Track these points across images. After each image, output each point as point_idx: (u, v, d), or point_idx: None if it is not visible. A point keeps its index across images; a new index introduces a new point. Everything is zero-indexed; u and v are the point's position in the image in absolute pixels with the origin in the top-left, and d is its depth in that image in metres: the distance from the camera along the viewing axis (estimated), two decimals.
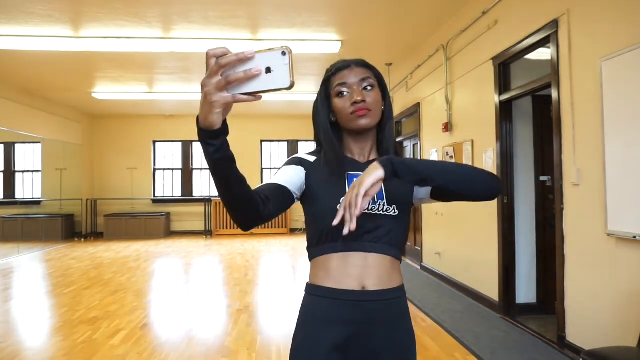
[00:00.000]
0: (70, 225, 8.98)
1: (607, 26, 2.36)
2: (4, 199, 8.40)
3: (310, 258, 1.00)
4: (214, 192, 9.96)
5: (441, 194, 0.95)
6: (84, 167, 9.31)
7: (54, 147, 8.41)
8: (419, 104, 5.42)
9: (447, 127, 4.45)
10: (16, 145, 8.57)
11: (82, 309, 3.81)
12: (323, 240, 0.95)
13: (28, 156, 8.58)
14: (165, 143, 10.00)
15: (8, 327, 3.40)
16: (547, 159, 3.41)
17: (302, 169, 1.00)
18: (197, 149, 10.10)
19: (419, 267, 5.49)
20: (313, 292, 0.97)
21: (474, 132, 3.98)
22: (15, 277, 5.41)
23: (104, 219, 9.19)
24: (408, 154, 6.30)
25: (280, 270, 5.66)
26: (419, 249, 5.57)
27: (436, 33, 4.71)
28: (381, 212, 0.94)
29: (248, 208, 0.81)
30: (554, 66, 2.77)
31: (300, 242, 8.18)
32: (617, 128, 2.27)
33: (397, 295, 0.97)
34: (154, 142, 9.91)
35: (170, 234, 9.64)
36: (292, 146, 10.19)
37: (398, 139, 6.46)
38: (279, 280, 5.05)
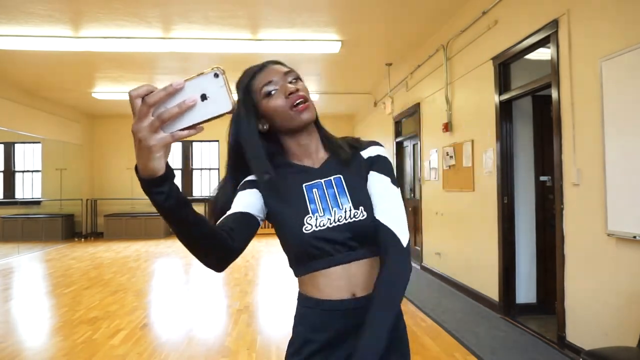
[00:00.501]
0: (70, 225, 8.98)
1: (607, 26, 2.36)
2: (4, 199, 8.40)
3: (296, 275, 0.96)
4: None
5: None
6: (84, 167, 9.31)
7: (54, 147, 8.42)
8: (419, 104, 5.42)
9: (447, 127, 4.45)
10: (16, 145, 8.57)
11: (82, 309, 3.81)
12: (300, 260, 0.91)
13: (28, 156, 8.58)
14: None
15: (8, 327, 3.40)
16: (547, 159, 3.40)
17: (256, 190, 0.92)
18: (197, 149, 10.10)
19: (419, 267, 5.49)
20: (305, 303, 0.95)
21: (474, 132, 3.98)
22: (15, 277, 5.41)
23: (104, 219, 9.19)
24: (408, 154, 6.30)
25: (280, 270, 5.66)
26: (419, 249, 5.57)
27: (436, 33, 4.71)
28: (350, 220, 0.88)
29: (215, 249, 0.75)
30: (554, 66, 2.77)
31: None
32: (617, 128, 2.27)
33: None
34: None
35: (170, 234, 9.64)
36: None
37: (398, 139, 6.46)
38: (279, 280, 5.05)
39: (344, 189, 0.91)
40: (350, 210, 0.89)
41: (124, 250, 7.51)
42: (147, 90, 0.55)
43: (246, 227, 0.85)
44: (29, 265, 6.16)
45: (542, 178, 3.52)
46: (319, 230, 0.87)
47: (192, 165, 10.07)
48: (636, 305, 2.18)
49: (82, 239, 8.94)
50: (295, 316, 0.97)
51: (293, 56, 5.49)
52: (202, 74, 0.56)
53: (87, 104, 8.32)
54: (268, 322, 3.45)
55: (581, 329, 2.60)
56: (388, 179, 0.92)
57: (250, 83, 0.92)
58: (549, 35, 2.82)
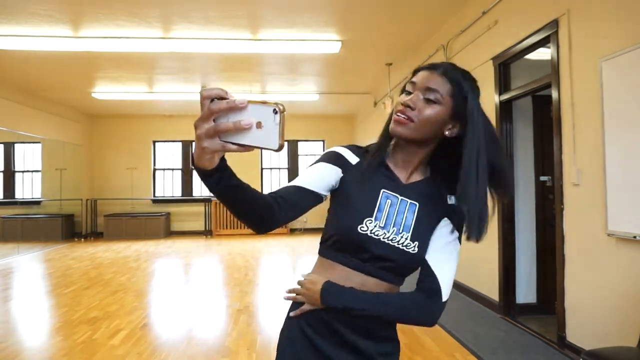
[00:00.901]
0: (70, 225, 8.98)
1: (607, 26, 2.36)
2: (4, 199, 8.40)
3: (319, 253, 0.96)
4: None
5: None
6: (83, 167, 9.31)
7: (54, 147, 8.41)
8: None
9: None
10: (16, 145, 8.56)
11: (82, 309, 3.80)
12: (335, 247, 0.92)
13: (28, 156, 8.58)
14: (165, 143, 10.00)
15: (8, 327, 3.40)
16: (547, 159, 3.40)
17: (340, 170, 0.93)
18: None
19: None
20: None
21: None
22: (15, 277, 5.41)
23: (104, 219, 9.19)
24: None
25: (280, 270, 5.66)
26: None
27: (436, 33, 4.71)
28: (400, 246, 0.89)
29: (261, 219, 0.80)
30: (554, 66, 2.77)
31: (300, 242, 8.18)
32: (617, 128, 2.27)
33: (386, 348, 0.95)
34: (154, 142, 9.91)
35: (170, 234, 9.64)
36: (292, 146, 10.19)
37: None
38: (279, 280, 5.05)
39: (413, 217, 0.91)
40: (406, 239, 0.89)
41: (124, 250, 7.51)
42: (217, 95, 0.59)
43: (299, 204, 0.87)
44: (29, 265, 6.16)
45: (542, 178, 3.52)
46: (370, 236, 0.88)
47: (192, 165, 10.05)
48: (636, 305, 2.18)
49: (82, 239, 8.94)
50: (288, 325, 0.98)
51: (293, 56, 5.49)
52: (265, 102, 0.59)
53: (87, 104, 8.32)
54: (268, 322, 3.45)
55: (581, 329, 2.60)
56: (457, 235, 0.92)
57: (416, 71, 0.91)
58: (549, 35, 2.82)
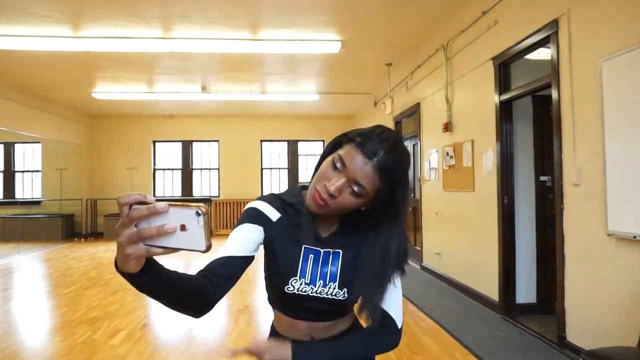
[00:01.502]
0: (70, 225, 8.98)
1: (607, 26, 2.36)
2: (4, 199, 8.40)
3: (268, 301, 1.04)
4: (214, 192, 9.97)
5: None
6: (84, 167, 9.31)
7: (54, 147, 8.41)
8: (419, 104, 5.42)
9: (447, 127, 4.45)
10: (16, 145, 8.56)
11: (82, 309, 3.81)
12: (273, 301, 0.99)
13: (28, 156, 8.58)
14: (165, 143, 10.00)
15: (8, 327, 3.40)
16: (547, 159, 3.40)
17: (262, 229, 0.93)
18: (197, 149, 10.10)
19: (419, 267, 5.49)
20: (271, 333, 1.05)
21: (474, 132, 3.98)
22: (15, 277, 5.41)
23: (103, 219, 9.19)
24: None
25: None
26: (419, 249, 5.57)
27: (436, 33, 4.71)
28: (330, 296, 0.92)
29: (199, 305, 0.79)
30: (554, 66, 2.77)
31: None
32: (617, 128, 2.27)
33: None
34: (154, 142, 9.91)
35: None
36: (292, 146, 10.19)
37: None
38: None
39: (338, 266, 0.92)
40: (334, 289, 0.92)
41: None
42: (136, 199, 0.58)
43: (232, 273, 0.87)
44: (29, 265, 6.16)
45: (542, 178, 3.52)
46: (298, 294, 0.92)
47: (192, 165, 10.07)
48: (636, 305, 2.18)
49: (82, 239, 8.94)
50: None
51: (293, 56, 5.49)
52: (187, 206, 0.58)
53: (87, 104, 8.32)
54: (268, 322, 3.44)
55: (581, 329, 2.60)
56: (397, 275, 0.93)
57: (349, 138, 0.85)
58: (549, 35, 2.82)
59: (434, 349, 2.84)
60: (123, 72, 6.16)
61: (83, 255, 6.89)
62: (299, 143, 10.21)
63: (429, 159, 5.08)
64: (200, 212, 0.58)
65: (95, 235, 9.30)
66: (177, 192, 10.00)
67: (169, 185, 10.02)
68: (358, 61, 5.79)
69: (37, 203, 8.58)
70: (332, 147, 0.89)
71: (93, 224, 9.32)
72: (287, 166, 10.21)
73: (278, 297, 0.96)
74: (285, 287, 0.91)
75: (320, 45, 4.96)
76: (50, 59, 5.44)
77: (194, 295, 0.76)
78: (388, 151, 0.81)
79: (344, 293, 0.91)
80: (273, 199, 0.96)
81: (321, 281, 0.91)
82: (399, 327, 0.92)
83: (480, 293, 3.85)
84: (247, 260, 0.91)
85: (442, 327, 3.23)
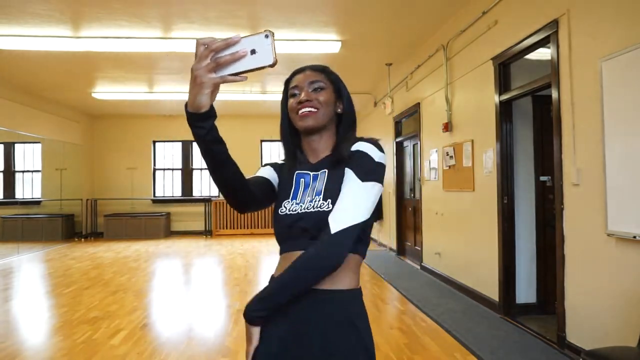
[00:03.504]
0: (70, 225, 8.98)
1: (607, 26, 2.36)
2: (4, 199, 8.40)
3: (279, 254, 1.05)
4: (214, 192, 9.96)
5: None
6: (84, 167, 9.31)
7: (54, 147, 8.41)
8: (419, 104, 5.42)
9: (447, 127, 4.45)
10: (16, 145, 8.57)
11: (82, 309, 3.81)
12: (278, 241, 1.02)
13: (28, 156, 8.58)
14: (165, 143, 10.00)
15: (8, 327, 3.40)
16: (547, 159, 3.40)
17: (272, 169, 1.08)
18: (197, 149, 10.09)
19: (419, 267, 5.49)
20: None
21: (474, 132, 3.98)
22: (15, 277, 5.41)
23: (104, 219, 9.19)
24: (408, 154, 6.30)
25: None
26: (419, 249, 5.57)
27: (436, 33, 4.71)
28: (315, 209, 0.94)
29: (240, 189, 0.90)
30: (554, 66, 2.77)
31: None
32: (617, 128, 2.27)
33: (345, 297, 0.94)
34: (154, 142, 9.92)
35: (170, 234, 9.65)
36: None
37: (398, 139, 6.46)
38: None
39: (324, 182, 0.98)
40: (318, 202, 0.95)
41: (124, 250, 7.51)
42: (212, 41, 0.70)
43: (266, 188, 1.02)
44: (29, 265, 6.16)
45: (542, 178, 3.52)
46: (289, 214, 0.97)
47: (192, 165, 10.07)
48: (636, 305, 2.18)
49: (82, 239, 8.94)
50: None
51: (293, 56, 5.49)
52: (256, 33, 0.70)
53: (87, 104, 8.32)
54: None
55: (581, 329, 2.60)
56: (352, 173, 0.93)
57: (289, 79, 1.06)
58: (549, 35, 2.82)
59: (434, 349, 2.84)
60: (123, 72, 6.16)
61: (83, 255, 6.89)
62: None
63: (429, 159, 5.08)
64: (268, 34, 0.69)
65: (96, 235, 9.30)
66: (177, 192, 10.00)
67: (169, 185, 10.02)
68: (358, 61, 5.79)
69: (37, 203, 8.58)
70: (284, 96, 1.06)
71: (93, 224, 9.32)
72: None
73: (277, 228, 1.00)
74: (279, 210, 1.00)
75: (320, 45, 4.96)
76: (50, 59, 5.43)
77: (241, 177, 0.89)
78: (313, 64, 1.07)
79: (328, 204, 0.93)
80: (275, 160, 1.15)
81: (308, 198, 0.97)
82: (332, 231, 0.86)
83: (480, 293, 3.85)
84: (273, 187, 1.05)
85: (442, 327, 3.23)
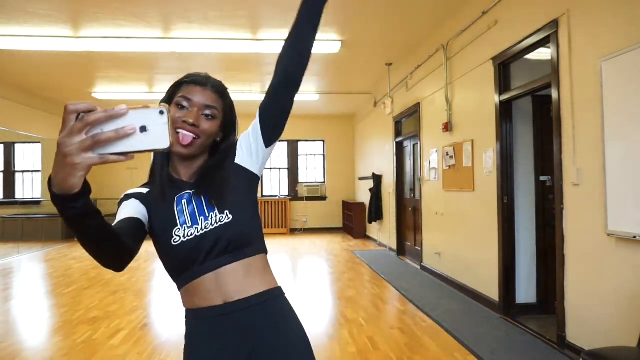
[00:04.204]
0: None
1: (607, 26, 2.36)
2: (4, 199, 8.40)
3: (178, 288, 0.98)
4: None
5: (273, 117, 0.99)
6: None
7: (54, 147, 8.36)
8: (419, 104, 5.42)
9: (447, 127, 4.45)
10: (16, 145, 8.57)
11: (82, 309, 3.81)
12: (176, 273, 0.95)
13: (28, 156, 8.58)
14: None
15: (8, 327, 3.40)
16: (547, 159, 3.40)
17: (138, 201, 0.95)
18: None
19: (419, 267, 5.49)
20: (188, 315, 0.97)
21: (474, 132, 3.98)
22: (15, 277, 5.41)
23: None
24: (408, 154, 6.30)
25: (280, 270, 5.66)
26: (419, 249, 5.57)
27: (436, 33, 4.71)
28: (216, 225, 0.91)
29: (116, 251, 0.77)
30: (554, 66, 2.77)
31: (301, 242, 8.18)
32: (617, 128, 2.27)
33: (262, 299, 0.94)
34: None
35: None
36: (292, 146, 10.18)
37: (398, 139, 6.46)
38: (278, 280, 5.04)
39: (209, 198, 0.94)
40: (216, 216, 0.92)
41: None
42: (87, 108, 0.54)
43: (138, 232, 0.88)
44: (29, 265, 6.16)
45: (542, 178, 3.52)
46: (187, 240, 0.90)
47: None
48: (636, 305, 2.18)
49: None
50: (185, 334, 0.99)
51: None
52: (147, 107, 0.56)
53: None
54: None
55: (581, 329, 2.60)
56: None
57: (180, 83, 0.96)
58: (549, 35, 2.82)
59: (433, 349, 2.84)
60: (123, 72, 6.16)
61: (83, 255, 6.89)
62: (299, 143, 10.21)
63: (429, 159, 5.08)
64: (164, 110, 0.56)
65: None
66: None
67: None
68: (358, 61, 5.79)
69: (37, 203, 8.58)
70: (169, 97, 0.95)
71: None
72: (287, 166, 10.21)
73: (174, 261, 0.92)
74: (172, 241, 0.90)
75: (320, 45, 4.96)
76: (50, 59, 5.43)
77: (118, 241, 0.75)
78: (214, 79, 0.99)
79: (227, 215, 0.91)
80: (137, 187, 1.02)
81: (202, 217, 0.92)
82: None
83: (480, 293, 3.85)
84: (143, 226, 0.91)
85: (442, 327, 3.23)
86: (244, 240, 0.93)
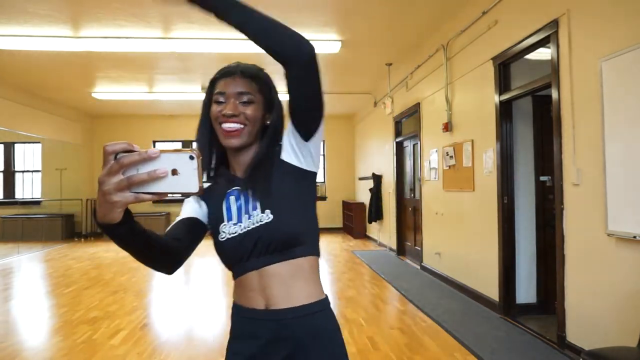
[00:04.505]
0: (70, 225, 8.98)
1: (607, 26, 2.36)
2: (4, 199, 8.40)
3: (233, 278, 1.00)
4: None
5: (298, 111, 0.91)
6: (84, 167, 9.31)
7: (54, 147, 8.42)
8: (419, 104, 5.42)
9: (447, 127, 4.45)
10: (16, 145, 8.57)
11: (82, 309, 3.81)
12: (227, 265, 0.97)
13: (28, 156, 8.59)
14: (166, 143, 10.00)
15: (8, 327, 3.40)
16: (547, 159, 3.40)
17: (197, 198, 0.99)
18: None
19: (419, 267, 5.49)
20: (233, 309, 1.00)
21: (474, 132, 3.98)
22: (15, 277, 5.41)
23: None
24: (408, 154, 6.30)
25: None
26: (419, 249, 5.57)
27: (436, 33, 4.71)
28: (257, 224, 0.90)
29: (167, 262, 0.84)
30: (554, 66, 2.77)
31: None
32: (617, 128, 2.27)
33: (305, 312, 0.92)
34: (154, 142, 9.91)
35: None
36: None
37: (398, 139, 6.46)
38: None
39: (256, 194, 0.93)
40: (257, 216, 0.91)
41: (124, 250, 7.50)
42: (123, 149, 0.58)
43: (192, 234, 0.92)
44: (29, 265, 6.16)
45: (542, 178, 3.52)
46: (231, 237, 0.92)
47: (96, 220, 10.07)
48: (636, 305, 2.18)
49: (82, 239, 8.94)
50: (229, 336, 1.01)
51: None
52: (179, 150, 0.59)
53: (87, 104, 8.32)
54: None
55: (581, 329, 2.60)
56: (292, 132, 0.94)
57: (213, 80, 0.97)
58: (549, 35, 2.82)
59: (433, 349, 2.84)
60: (123, 72, 6.15)
61: (83, 255, 6.89)
62: None
63: (429, 159, 5.08)
64: (193, 155, 0.59)
65: (96, 235, 9.29)
66: None
67: None
68: (358, 61, 5.79)
69: (37, 203, 8.59)
70: (208, 100, 0.96)
71: (93, 224, 9.31)
72: None
73: (222, 256, 0.95)
74: (219, 237, 0.93)
75: (320, 45, 4.96)
76: (50, 59, 5.43)
77: (166, 251, 0.81)
78: (244, 64, 0.97)
79: (267, 215, 0.90)
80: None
81: (246, 215, 0.92)
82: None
83: (480, 293, 3.85)
84: (200, 224, 0.95)
85: (442, 327, 3.23)
86: (286, 241, 0.91)
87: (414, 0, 3.93)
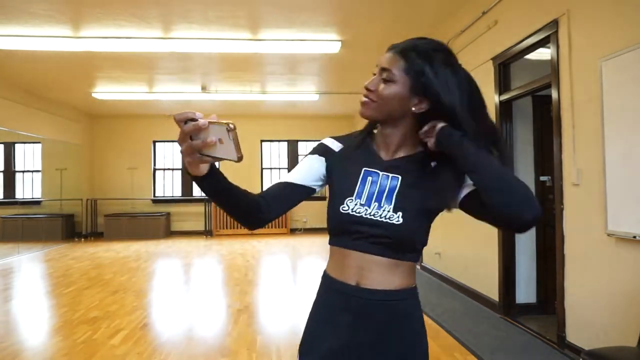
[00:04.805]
0: (70, 225, 8.97)
1: (607, 26, 2.36)
2: (4, 199, 8.40)
3: (329, 243, 1.00)
4: None
5: (472, 204, 0.90)
6: (84, 167, 9.31)
7: (54, 147, 8.41)
8: None
9: None
10: (16, 145, 8.56)
11: (82, 309, 3.81)
12: (332, 233, 0.97)
13: (28, 156, 8.58)
14: (165, 143, 10.00)
15: (8, 327, 3.40)
16: (547, 159, 3.40)
17: (324, 159, 1.01)
18: None
19: (419, 267, 5.50)
20: (324, 278, 1.01)
21: None
22: (15, 277, 5.41)
23: (104, 219, 9.18)
24: None
25: (280, 270, 5.66)
26: None
27: (436, 33, 4.70)
28: (383, 219, 0.90)
29: (247, 216, 0.92)
30: (554, 66, 2.77)
31: (301, 243, 8.18)
32: (617, 128, 2.27)
33: (396, 297, 0.93)
34: (154, 142, 9.91)
35: (170, 234, 9.64)
36: (292, 146, 10.19)
37: None
38: (279, 280, 5.05)
39: (395, 189, 0.92)
40: (388, 212, 0.90)
41: (124, 250, 7.51)
42: (187, 117, 0.72)
43: (287, 199, 0.97)
44: (29, 265, 6.16)
45: (542, 178, 3.52)
46: (352, 215, 0.92)
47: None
48: (636, 305, 2.18)
49: (82, 239, 8.94)
50: (318, 289, 1.02)
51: (293, 56, 5.49)
52: (220, 123, 0.70)
53: (87, 104, 8.32)
54: (268, 322, 3.45)
55: (581, 329, 2.60)
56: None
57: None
58: (549, 35, 2.82)
59: (433, 349, 2.84)
60: (123, 72, 6.16)
61: (83, 255, 6.89)
62: (299, 143, 10.21)
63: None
64: (229, 128, 0.69)
65: (96, 235, 9.29)
66: (177, 192, 10.00)
67: (169, 185, 10.02)
68: (358, 61, 5.79)
69: (37, 203, 8.58)
70: None
71: (93, 224, 9.32)
72: (287, 166, 10.21)
73: (334, 223, 0.94)
74: (341, 207, 0.92)
75: (320, 45, 4.96)
76: (50, 59, 5.43)
77: (248, 206, 0.90)
78: (412, 41, 0.91)
79: (398, 217, 0.89)
80: (341, 137, 1.05)
81: (376, 203, 0.91)
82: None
83: (480, 293, 3.85)
84: (306, 190, 0.99)
85: (442, 327, 3.23)
86: (400, 247, 0.91)
87: (414, 1, 3.93)
